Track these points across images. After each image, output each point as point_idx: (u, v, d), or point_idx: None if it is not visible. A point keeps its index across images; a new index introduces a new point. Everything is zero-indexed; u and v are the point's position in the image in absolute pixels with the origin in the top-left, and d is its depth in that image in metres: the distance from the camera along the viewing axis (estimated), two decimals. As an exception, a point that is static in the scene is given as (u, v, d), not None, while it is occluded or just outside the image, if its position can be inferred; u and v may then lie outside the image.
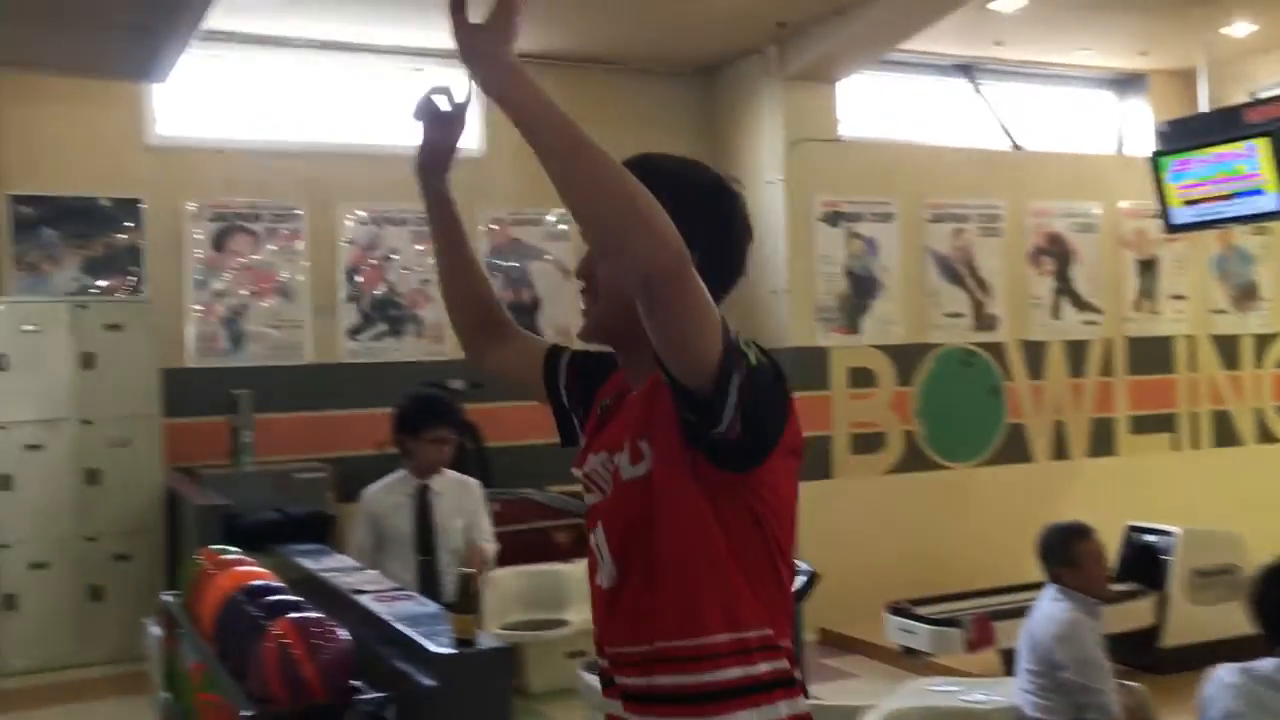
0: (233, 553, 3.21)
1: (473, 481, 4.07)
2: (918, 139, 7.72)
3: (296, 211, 6.76)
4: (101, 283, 6.37)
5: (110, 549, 5.61)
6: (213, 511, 4.43)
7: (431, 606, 2.77)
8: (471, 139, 7.15)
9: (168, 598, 3.35)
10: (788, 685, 1.51)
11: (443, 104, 1.73)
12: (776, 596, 1.53)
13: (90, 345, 5.69)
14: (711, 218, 1.60)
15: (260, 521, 3.67)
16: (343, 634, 2.34)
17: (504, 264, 7.20)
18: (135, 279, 6.43)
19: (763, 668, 1.48)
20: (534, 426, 6.99)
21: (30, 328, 5.61)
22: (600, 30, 6.78)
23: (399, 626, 2.52)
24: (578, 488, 1.73)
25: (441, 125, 1.75)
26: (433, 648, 2.33)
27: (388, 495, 3.97)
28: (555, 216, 7.32)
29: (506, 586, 5.12)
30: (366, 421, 6.39)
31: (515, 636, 4.75)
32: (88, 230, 6.38)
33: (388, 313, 6.96)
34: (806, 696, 1.57)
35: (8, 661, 5.45)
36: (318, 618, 2.43)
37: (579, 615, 4.88)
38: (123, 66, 6.23)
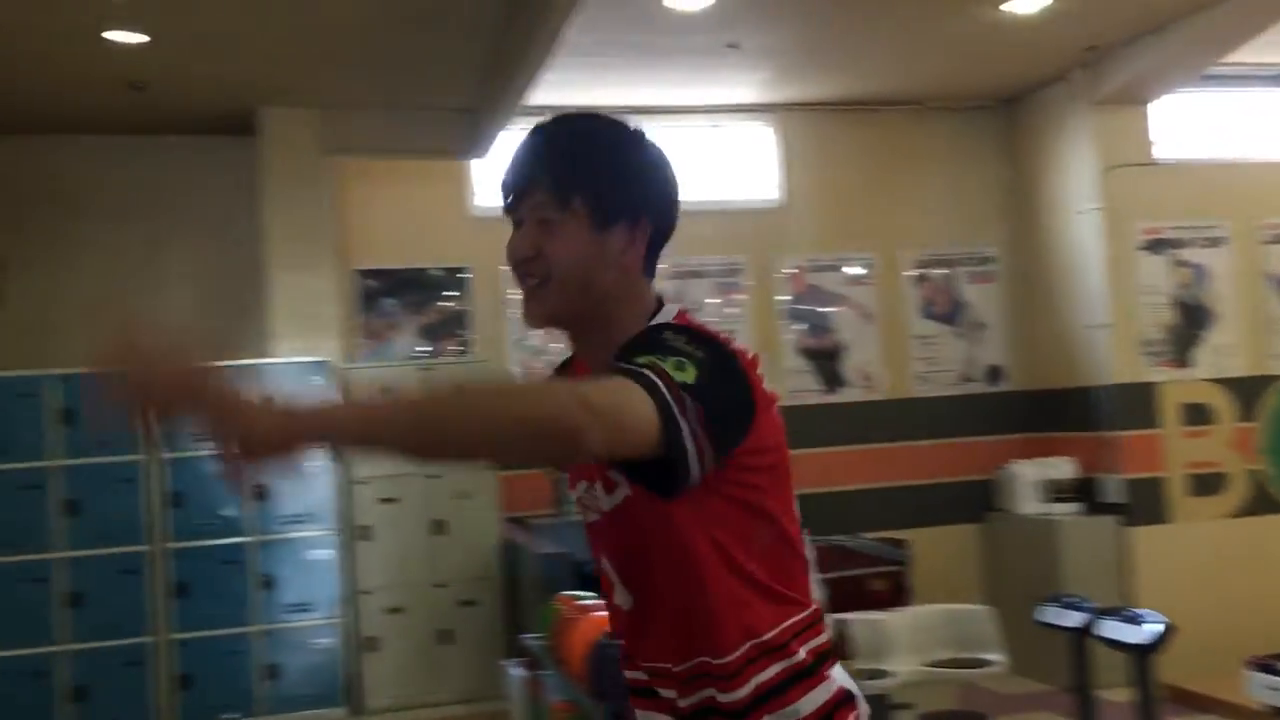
0: (587, 598, 3.37)
1: None
2: (1246, 156, 7.18)
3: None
4: (433, 347, 6.89)
5: (457, 595, 6.00)
6: (557, 559, 4.65)
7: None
8: (770, 189, 7.27)
9: (530, 640, 3.54)
10: (802, 678, 1.46)
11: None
12: (792, 567, 1.49)
13: (433, 405, 6.13)
14: (658, 183, 1.55)
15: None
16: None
17: (804, 309, 7.23)
18: (464, 341, 6.91)
19: (772, 670, 1.44)
20: (846, 471, 7.00)
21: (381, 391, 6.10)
22: (900, 71, 6.74)
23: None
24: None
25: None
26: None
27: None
28: (855, 263, 7.30)
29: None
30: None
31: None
32: (422, 298, 6.93)
33: (695, 364, 7.13)
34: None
35: (371, 699, 5.91)
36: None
37: (903, 665, 4.77)
38: (450, 146, 6.78)
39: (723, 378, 1.37)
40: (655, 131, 1.61)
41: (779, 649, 1.45)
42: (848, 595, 5.54)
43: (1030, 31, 6.04)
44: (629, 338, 1.43)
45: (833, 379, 7.19)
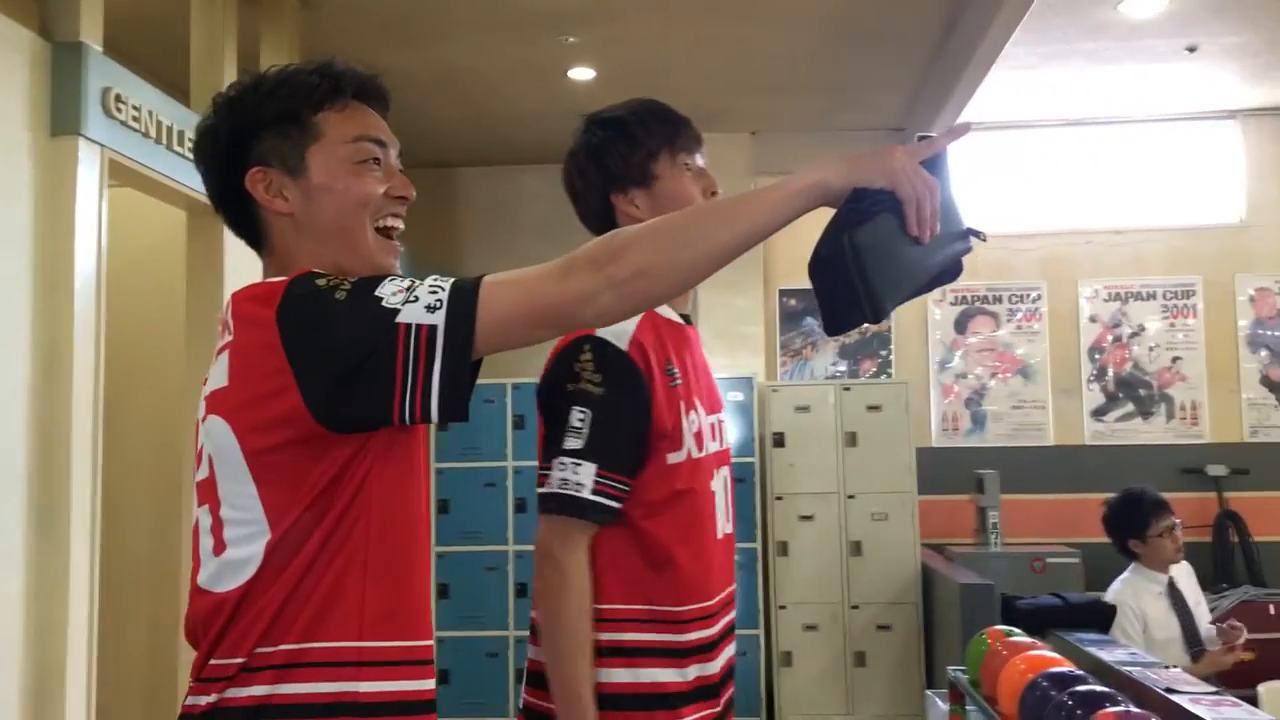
0: (1017, 634, 3.21)
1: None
2: None
3: (1035, 291, 6.74)
4: (851, 367, 6.89)
5: (874, 618, 5.94)
6: (980, 589, 4.50)
7: (1263, 715, 2.52)
8: (1229, 202, 6.64)
9: (956, 673, 3.44)
10: None
11: None
12: None
13: (853, 425, 6.13)
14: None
15: (1040, 605, 3.63)
16: (1173, 735, 2.21)
17: (1268, 335, 6.52)
18: (884, 362, 6.85)
19: None
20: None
21: (801, 408, 6.18)
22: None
23: (1234, 736, 2.32)
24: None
25: None
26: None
27: (1140, 590, 3.98)
28: (1333, 283, 6.49)
29: None
30: (1115, 507, 6.10)
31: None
32: (843, 318, 6.94)
33: (1135, 392, 6.63)
34: None
35: (786, 713, 5.97)
36: (1141, 714, 2.32)
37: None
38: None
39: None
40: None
41: None
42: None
43: None
44: None
45: (1302, 414, 6.43)
